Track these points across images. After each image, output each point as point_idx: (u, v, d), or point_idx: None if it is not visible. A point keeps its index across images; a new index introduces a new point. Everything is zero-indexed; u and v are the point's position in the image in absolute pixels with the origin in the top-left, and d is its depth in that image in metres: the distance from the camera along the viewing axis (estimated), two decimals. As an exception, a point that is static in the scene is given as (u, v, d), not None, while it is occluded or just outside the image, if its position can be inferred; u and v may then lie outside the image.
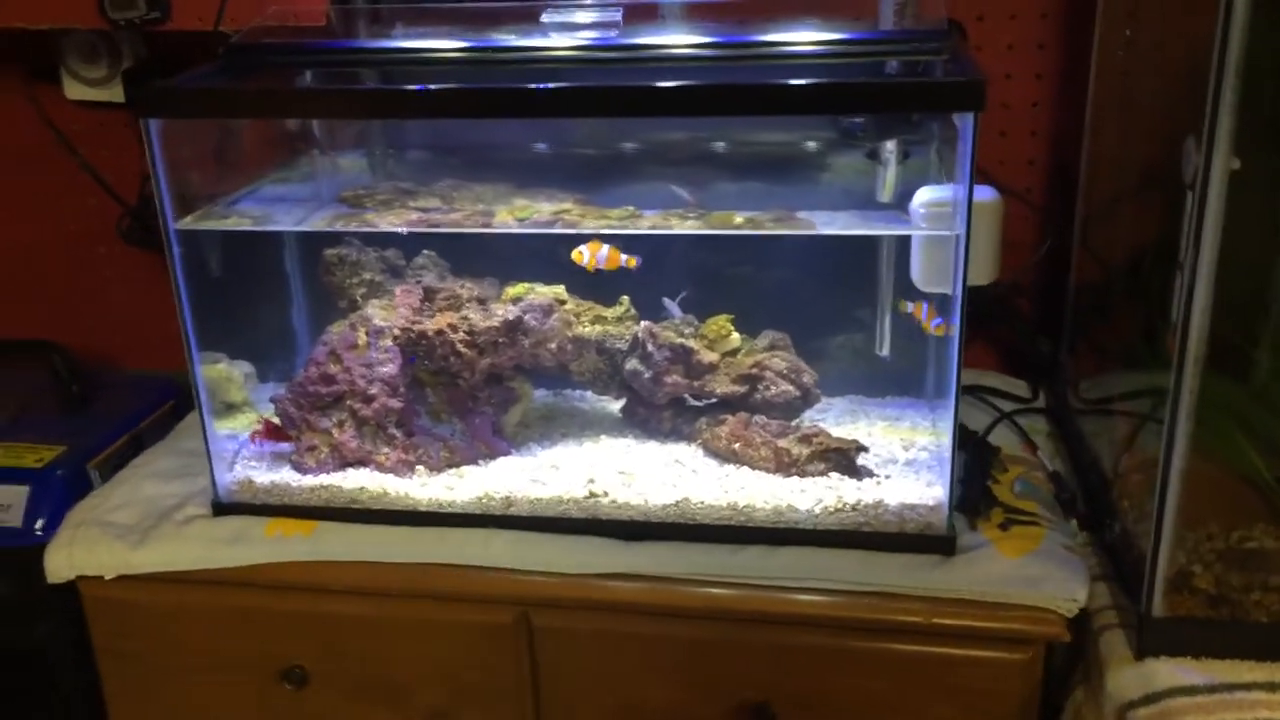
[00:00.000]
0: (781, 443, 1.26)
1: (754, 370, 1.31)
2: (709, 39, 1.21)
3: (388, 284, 1.36)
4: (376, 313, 1.31)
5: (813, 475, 1.24)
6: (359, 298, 1.35)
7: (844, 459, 1.25)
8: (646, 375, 1.31)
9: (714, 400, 1.34)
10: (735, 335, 1.34)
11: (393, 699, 1.26)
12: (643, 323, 1.32)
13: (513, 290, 1.33)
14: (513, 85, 1.11)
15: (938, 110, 1.14)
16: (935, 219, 1.14)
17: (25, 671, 1.40)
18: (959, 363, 1.12)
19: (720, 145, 1.31)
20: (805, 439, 1.26)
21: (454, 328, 1.27)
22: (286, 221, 1.35)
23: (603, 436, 1.36)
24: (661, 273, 1.32)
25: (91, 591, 1.27)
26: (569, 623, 1.20)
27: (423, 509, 1.24)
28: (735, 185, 1.30)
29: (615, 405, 1.41)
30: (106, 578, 1.25)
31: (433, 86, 1.14)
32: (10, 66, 1.59)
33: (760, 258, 1.37)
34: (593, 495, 1.23)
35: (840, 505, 1.19)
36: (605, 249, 1.23)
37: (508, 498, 1.23)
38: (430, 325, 1.27)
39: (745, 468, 1.27)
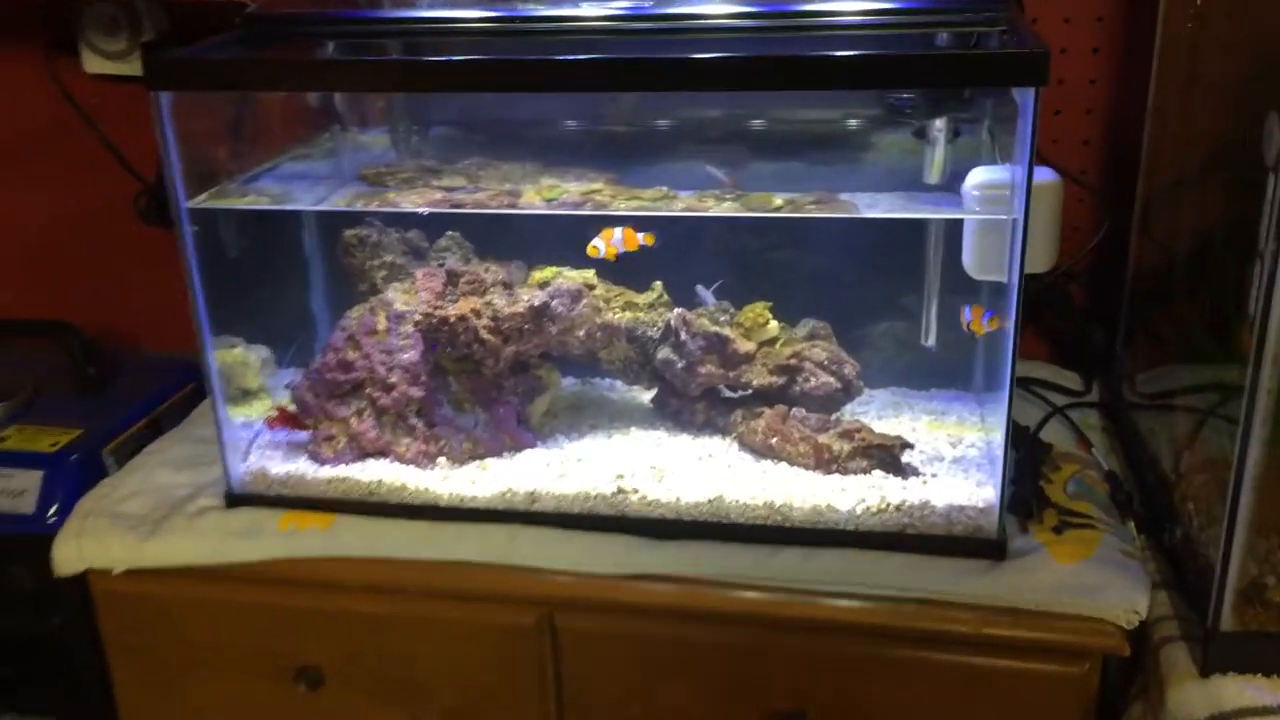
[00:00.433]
0: (821, 438, 1.23)
1: (793, 361, 1.29)
2: (749, 8, 1.17)
3: (410, 266, 1.35)
4: (397, 297, 1.29)
5: (854, 473, 1.22)
6: (379, 281, 1.34)
7: (887, 456, 1.22)
8: (679, 365, 1.29)
9: (750, 392, 1.31)
10: (773, 324, 1.32)
11: (410, 700, 1.24)
12: (676, 310, 1.30)
13: (540, 274, 1.31)
14: (541, 57, 1.09)
15: (998, 84, 1.09)
16: (991, 202, 1.11)
17: (40, 659, 1.39)
18: (1014, 355, 1.08)
19: (759, 122, 1.28)
20: (846, 434, 1.23)
21: (478, 313, 1.25)
22: (305, 200, 1.34)
23: (633, 429, 1.34)
24: (697, 257, 1.30)
25: (101, 584, 1.25)
26: (594, 625, 1.18)
27: (443, 503, 1.22)
28: (774, 165, 1.28)
29: (646, 396, 1.39)
30: (115, 571, 1.23)
31: (457, 58, 1.11)
32: (28, 39, 1.57)
33: (800, 242, 1.34)
34: (621, 491, 1.20)
35: (883, 505, 1.16)
36: (619, 232, 1.22)
37: (532, 493, 1.21)
38: (453, 310, 1.26)
39: (783, 464, 1.25)
